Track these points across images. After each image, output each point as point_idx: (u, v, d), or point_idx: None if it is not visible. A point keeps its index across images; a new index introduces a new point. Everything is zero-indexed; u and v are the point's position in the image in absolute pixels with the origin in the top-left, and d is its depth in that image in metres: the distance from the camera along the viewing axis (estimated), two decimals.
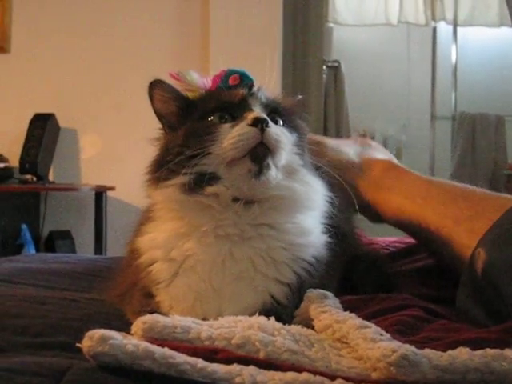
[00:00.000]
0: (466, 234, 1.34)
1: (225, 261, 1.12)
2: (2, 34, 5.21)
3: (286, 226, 1.16)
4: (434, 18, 6.46)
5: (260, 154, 1.09)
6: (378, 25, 6.55)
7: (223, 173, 1.11)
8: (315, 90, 5.51)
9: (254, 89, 1.20)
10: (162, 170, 1.15)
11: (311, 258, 1.17)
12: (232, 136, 1.09)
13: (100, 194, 4.88)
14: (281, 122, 1.19)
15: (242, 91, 1.17)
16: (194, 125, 1.15)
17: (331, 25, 6.28)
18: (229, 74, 1.18)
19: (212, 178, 1.11)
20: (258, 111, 1.12)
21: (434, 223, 1.42)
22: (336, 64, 5.99)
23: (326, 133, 5.54)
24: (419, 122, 6.77)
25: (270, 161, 1.10)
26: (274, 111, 1.18)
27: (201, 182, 1.11)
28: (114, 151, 5.15)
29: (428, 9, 6.39)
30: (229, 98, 1.16)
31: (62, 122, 5.05)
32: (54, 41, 5.22)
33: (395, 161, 1.67)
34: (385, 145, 6.77)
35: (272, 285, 1.13)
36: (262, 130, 1.08)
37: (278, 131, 1.11)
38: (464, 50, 6.64)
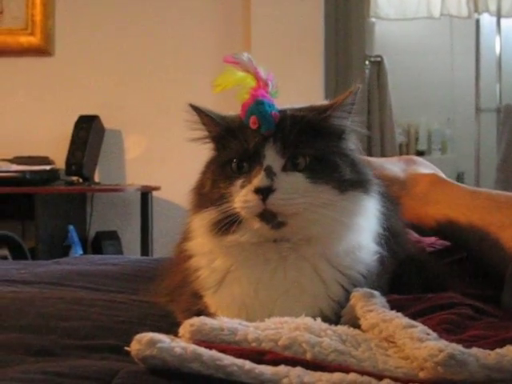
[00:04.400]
0: (511, 239, 1.34)
1: (269, 280, 1.12)
2: (45, 37, 5.27)
3: (331, 249, 1.14)
4: (476, 10, 6.38)
5: (267, 216, 1.08)
6: (420, 18, 6.49)
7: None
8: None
9: (272, 132, 1.11)
10: (196, 199, 1.19)
11: (360, 276, 1.16)
12: (239, 199, 1.09)
13: (145, 194, 4.92)
14: (304, 162, 1.11)
15: (257, 139, 1.11)
16: (219, 170, 1.15)
17: (373, 19, 6.24)
18: (251, 111, 1.12)
19: (236, 220, 1.10)
20: (261, 177, 1.07)
21: (480, 230, 1.43)
22: (378, 59, 5.96)
23: (369, 128, 5.52)
24: (464, 115, 6.70)
25: (281, 219, 1.08)
26: (296, 154, 1.11)
27: (228, 220, 1.11)
28: (159, 151, 5.18)
29: (470, 1, 6.32)
30: (245, 145, 1.12)
31: (107, 123, 5.09)
32: (98, 43, 5.27)
33: (441, 174, 1.68)
34: (429, 139, 6.73)
35: (321, 301, 1.12)
36: (265, 199, 1.06)
37: (285, 193, 1.07)
38: (508, 41, 6.55)
